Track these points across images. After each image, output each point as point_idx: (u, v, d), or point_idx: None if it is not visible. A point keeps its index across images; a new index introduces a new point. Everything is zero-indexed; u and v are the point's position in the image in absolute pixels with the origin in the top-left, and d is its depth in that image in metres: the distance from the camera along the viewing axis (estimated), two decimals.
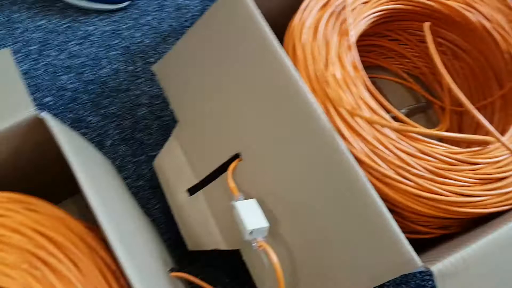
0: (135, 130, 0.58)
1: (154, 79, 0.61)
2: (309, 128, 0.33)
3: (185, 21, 0.66)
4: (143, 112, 0.59)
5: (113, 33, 0.64)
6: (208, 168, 0.42)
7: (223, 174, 0.40)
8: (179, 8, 0.67)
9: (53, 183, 0.38)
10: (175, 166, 0.45)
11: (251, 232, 0.33)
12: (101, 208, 0.31)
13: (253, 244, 0.33)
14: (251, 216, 0.33)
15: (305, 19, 0.42)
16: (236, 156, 0.39)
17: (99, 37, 0.63)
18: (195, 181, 0.43)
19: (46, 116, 0.34)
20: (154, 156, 0.56)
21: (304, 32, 0.41)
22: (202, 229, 0.41)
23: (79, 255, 0.33)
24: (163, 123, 0.58)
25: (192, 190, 0.43)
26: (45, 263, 0.32)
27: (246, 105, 0.38)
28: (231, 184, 0.38)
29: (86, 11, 0.65)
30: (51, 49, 0.62)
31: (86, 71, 0.61)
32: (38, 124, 0.35)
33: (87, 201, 0.31)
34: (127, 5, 0.65)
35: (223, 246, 0.40)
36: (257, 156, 0.37)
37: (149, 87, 0.60)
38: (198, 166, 0.43)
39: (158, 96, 0.60)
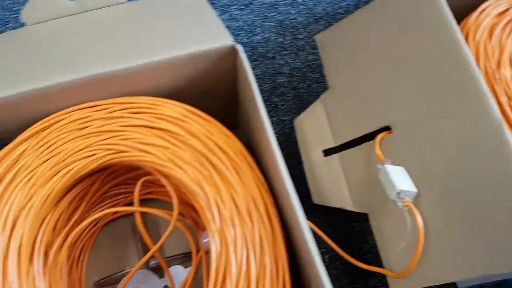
0: (272, 95, 0.63)
1: (298, 54, 0.65)
2: (476, 114, 0.35)
3: (339, 8, 0.70)
4: (282, 80, 0.64)
5: (271, 6, 0.70)
6: (350, 134, 0.45)
7: (368, 143, 0.43)
8: None
9: (220, 112, 0.43)
10: (315, 127, 0.48)
11: (398, 192, 0.35)
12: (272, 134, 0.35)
13: (398, 204, 0.35)
14: (400, 179, 0.35)
15: (481, 21, 0.44)
16: (386, 128, 0.41)
17: (258, 7, 0.70)
18: (332, 144, 0.46)
19: (240, 48, 0.40)
20: (285, 120, 0.60)
21: (479, 31, 0.43)
22: (332, 188, 0.44)
23: (242, 167, 0.37)
24: (298, 94, 0.62)
25: (328, 152, 0.46)
26: (213, 165, 0.37)
27: (407, 83, 0.41)
28: (378, 151, 0.40)
29: None
30: (216, 9, 0.69)
31: (241, 34, 0.67)
32: (229, 54, 0.41)
33: (265, 129, 0.35)
34: None
35: (350, 207, 0.43)
36: (410, 132, 0.39)
37: (292, 60, 0.65)
38: (339, 132, 0.46)
39: (299, 69, 0.64)
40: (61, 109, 0.41)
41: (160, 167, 0.38)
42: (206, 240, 0.43)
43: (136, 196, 0.43)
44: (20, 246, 0.36)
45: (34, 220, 0.37)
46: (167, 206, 0.46)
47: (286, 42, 0.67)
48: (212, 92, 0.45)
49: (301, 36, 0.67)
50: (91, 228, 0.48)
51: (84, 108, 0.41)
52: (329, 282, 0.29)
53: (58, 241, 0.43)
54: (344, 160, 0.45)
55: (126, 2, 0.47)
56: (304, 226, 0.31)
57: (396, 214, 0.37)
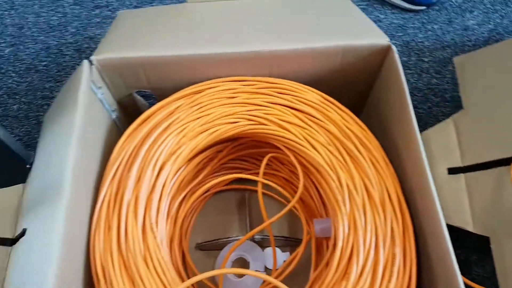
0: None
1: (421, 75, 0.65)
2: None
3: (468, 41, 0.69)
4: None
5: (399, 26, 0.71)
6: (482, 157, 0.44)
7: (501, 167, 0.42)
8: (466, 29, 0.70)
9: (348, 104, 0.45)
10: (443, 144, 0.48)
11: None
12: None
13: None
14: None
15: None
16: None
17: (386, 25, 0.71)
18: (459, 163, 0.46)
19: (394, 48, 0.41)
20: None
21: None
22: (453, 206, 0.44)
23: (378, 159, 0.38)
24: (417, 113, 0.62)
25: (455, 170, 0.46)
26: (348, 152, 0.39)
27: None
28: None
29: (383, 1, 0.73)
30: None
31: None
32: (380, 52, 0.42)
33: (412, 129, 0.36)
34: (420, 10, 0.72)
35: (470, 228, 0.42)
36: None
37: (415, 80, 0.65)
38: (469, 152, 0.45)
39: (420, 90, 0.64)
40: (212, 78, 0.45)
41: (295, 144, 0.40)
42: (319, 227, 0.44)
43: (262, 168, 0.45)
44: (163, 186, 0.39)
45: (177, 168, 0.41)
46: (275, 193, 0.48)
47: (411, 62, 0.67)
48: (346, 87, 0.46)
49: (426, 59, 0.67)
50: (204, 193, 0.51)
51: (234, 81, 0.44)
52: None
53: (182, 195, 0.47)
54: (471, 181, 0.44)
55: None
56: (445, 232, 0.31)
57: None
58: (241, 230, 0.50)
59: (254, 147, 0.49)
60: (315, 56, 0.43)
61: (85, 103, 0.40)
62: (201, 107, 0.42)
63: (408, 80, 0.65)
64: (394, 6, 0.73)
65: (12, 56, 0.68)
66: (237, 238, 0.47)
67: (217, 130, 0.42)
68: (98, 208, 0.38)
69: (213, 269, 0.39)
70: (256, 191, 0.51)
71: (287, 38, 0.43)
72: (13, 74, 0.66)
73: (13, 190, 0.43)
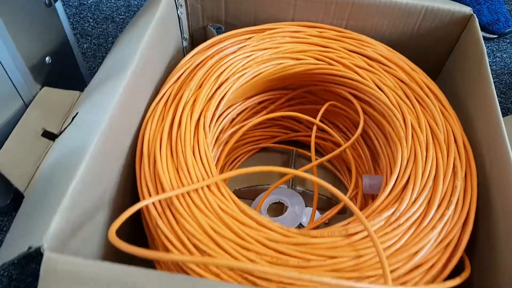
0: None
1: None
2: None
3: None
4: None
5: None
6: None
7: None
8: None
9: None
10: None
11: None
12: None
13: None
14: None
15: None
16: None
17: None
18: None
19: (475, 17, 0.41)
20: None
21: None
22: None
23: (446, 105, 0.37)
24: None
25: None
26: (415, 95, 0.38)
27: None
28: None
29: None
30: None
31: None
32: (460, 20, 0.42)
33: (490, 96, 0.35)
34: (492, 38, 0.72)
35: None
36: None
37: None
38: None
39: None
40: (289, 20, 0.46)
41: (362, 86, 0.39)
42: (369, 182, 0.41)
43: (321, 112, 0.44)
44: (221, 98, 0.39)
45: (237, 91, 0.41)
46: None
47: None
48: (421, 54, 0.45)
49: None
50: (251, 147, 0.50)
51: (308, 26, 0.45)
52: None
53: (233, 129, 0.46)
54: None
55: None
56: None
57: None
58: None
59: (312, 102, 0.48)
60: (395, 12, 0.43)
61: (164, 14, 0.41)
62: (272, 40, 0.43)
63: None
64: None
65: (93, 6, 0.73)
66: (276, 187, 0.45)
67: (284, 63, 0.42)
68: (155, 102, 0.38)
69: None
70: (302, 156, 0.50)
71: None
72: (91, 20, 0.71)
73: (70, 94, 0.44)
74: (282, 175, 0.48)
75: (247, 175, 0.49)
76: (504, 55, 0.70)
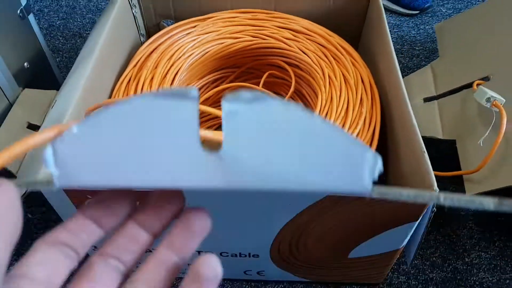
0: None
1: (412, 58, 0.74)
2: None
3: None
4: None
5: (395, 25, 0.81)
6: (450, 86, 0.50)
7: (465, 90, 0.48)
8: None
9: None
10: (421, 82, 0.55)
11: (489, 97, 0.39)
12: None
13: (487, 104, 0.39)
14: (492, 93, 0.40)
15: None
16: (485, 78, 0.47)
17: None
18: (433, 94, 0.52)
19: None
20: None
21: None
22: (427, 123, 0.49)
23: (357, 59, 0.46)
24: None
25: (429, 99, 0.52)
26: (332, 54, 0.46)
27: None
28: (476, 82, 0.45)
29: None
30: None
31: None
32: None
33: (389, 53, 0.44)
34: (414, 14, 0.82)
35: (440, 136, 0.47)
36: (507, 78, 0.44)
37: (406, 61, 0.74)
38: (441, 85, 0.52)
39: (410, 68, 0.72)
40: (228, 9, 0.54)
41: (290, 53, 0.48)
42: None
43: (262, 80, 0.53)
44: (175, 74, 0.47)
45: (190, 70, 0.49)
46: None
47: (404, 50, 0.76)
48: (339, 30, 0.55)
49: (417, 48, 0.76)
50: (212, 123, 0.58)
51: (242, 12, 0.54)
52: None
53: None
54: (442, 103, 0.50)
55: None
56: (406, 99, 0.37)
57: (480, 135, 0.41)
58: None
59: (256, 77, 0.57)
60: None
61: (119, 15, 0.49)
62: (214, 25, 0.52)
63: (400, 61, 0.73)
64: (392, 11, 0.84)
65: (62, 26, 0.81)
66: None
67: (225, 42, 0.50)
68: (119, 83, 0.46)
69: None
70: None
71: None
72: (60, 38, 0.78)
73: (48, 93, 0.51)
74: None
75: None
76: (427, 27, 0.81)
